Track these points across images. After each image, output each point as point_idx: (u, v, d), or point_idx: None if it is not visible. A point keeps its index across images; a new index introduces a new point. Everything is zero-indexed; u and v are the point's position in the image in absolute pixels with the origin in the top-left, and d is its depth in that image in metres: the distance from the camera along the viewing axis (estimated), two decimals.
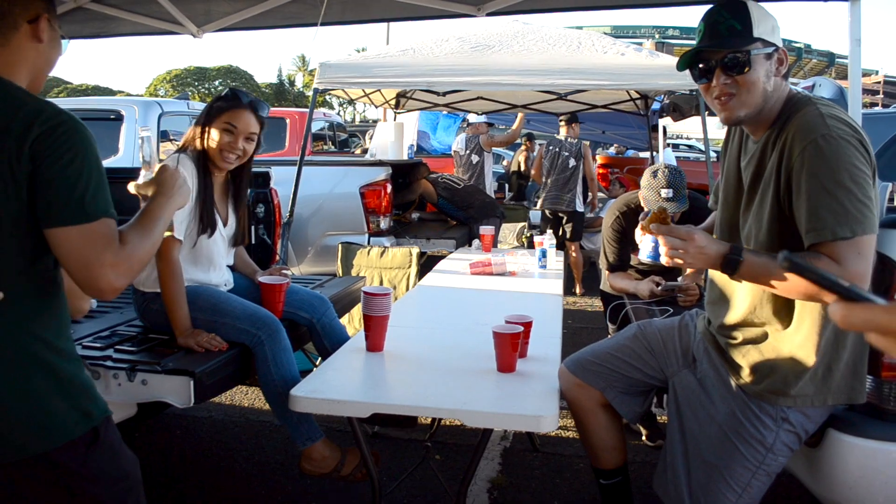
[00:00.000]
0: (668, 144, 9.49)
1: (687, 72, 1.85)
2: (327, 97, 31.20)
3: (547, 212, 6.98)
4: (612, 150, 13.01)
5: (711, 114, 3.11)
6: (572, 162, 6.86)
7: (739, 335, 1.87)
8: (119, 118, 5.97)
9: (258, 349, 2.43)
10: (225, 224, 2.69)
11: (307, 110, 11.33)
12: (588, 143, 7.41)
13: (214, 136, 2.55)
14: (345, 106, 32.74)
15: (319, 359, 2.90)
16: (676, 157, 11.81)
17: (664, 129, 7.75)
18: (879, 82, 41.00)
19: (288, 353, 2.47)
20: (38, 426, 1.37)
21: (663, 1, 3.59)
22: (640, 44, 10.70)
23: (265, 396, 2.49)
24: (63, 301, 1.47)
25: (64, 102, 7.83)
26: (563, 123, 7.03)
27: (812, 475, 1.88)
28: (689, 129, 16.92)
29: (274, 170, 5.21)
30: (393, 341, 2.41)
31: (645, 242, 1.96)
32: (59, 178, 1.32)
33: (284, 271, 2.96)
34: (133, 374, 2.17)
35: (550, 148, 6.96)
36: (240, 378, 2.51)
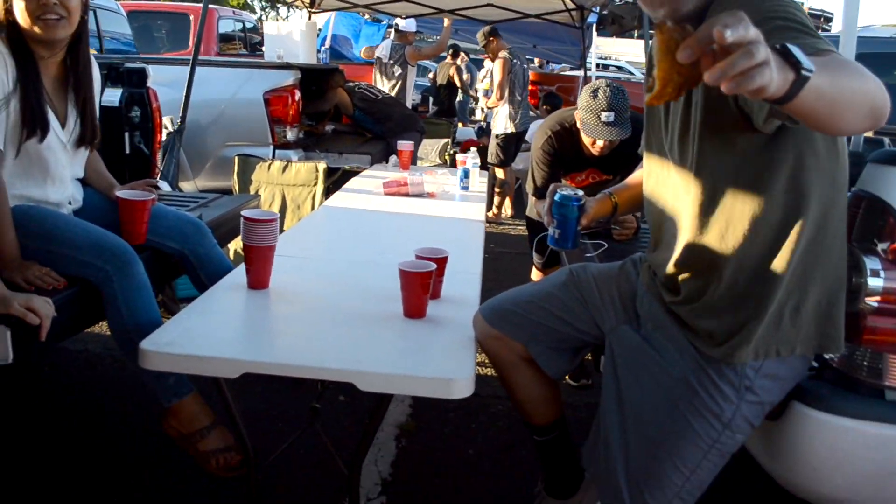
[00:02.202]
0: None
1: None
2: (249, 0, 29.18)
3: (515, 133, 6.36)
4: (535, 63, 12.35)
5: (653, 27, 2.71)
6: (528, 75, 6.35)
7: (688, 282, 1.50)
8: None
9: (105, 287, 1.96)
10: (63, 125, 2.15)
11: (220, 7, 10.43)
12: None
13: (19, 3, 1.97)
14: (267, 10, 30.71)
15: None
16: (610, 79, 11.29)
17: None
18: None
19: (145, 291, 2.00)
20: None
21: None
22: None
23: (118, 345, 2.02)
24: None
25: None
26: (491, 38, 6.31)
27: (769, 453, 1.59)
28: (617, 50, 16.43)
29: (169, 69, 4.59)
30: (282, 275, 2.00)
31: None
32: None
33: (151, 185, 2.45)
34: None
35: (514, 62, 6.28)
36: (85, 323, 2.05)
